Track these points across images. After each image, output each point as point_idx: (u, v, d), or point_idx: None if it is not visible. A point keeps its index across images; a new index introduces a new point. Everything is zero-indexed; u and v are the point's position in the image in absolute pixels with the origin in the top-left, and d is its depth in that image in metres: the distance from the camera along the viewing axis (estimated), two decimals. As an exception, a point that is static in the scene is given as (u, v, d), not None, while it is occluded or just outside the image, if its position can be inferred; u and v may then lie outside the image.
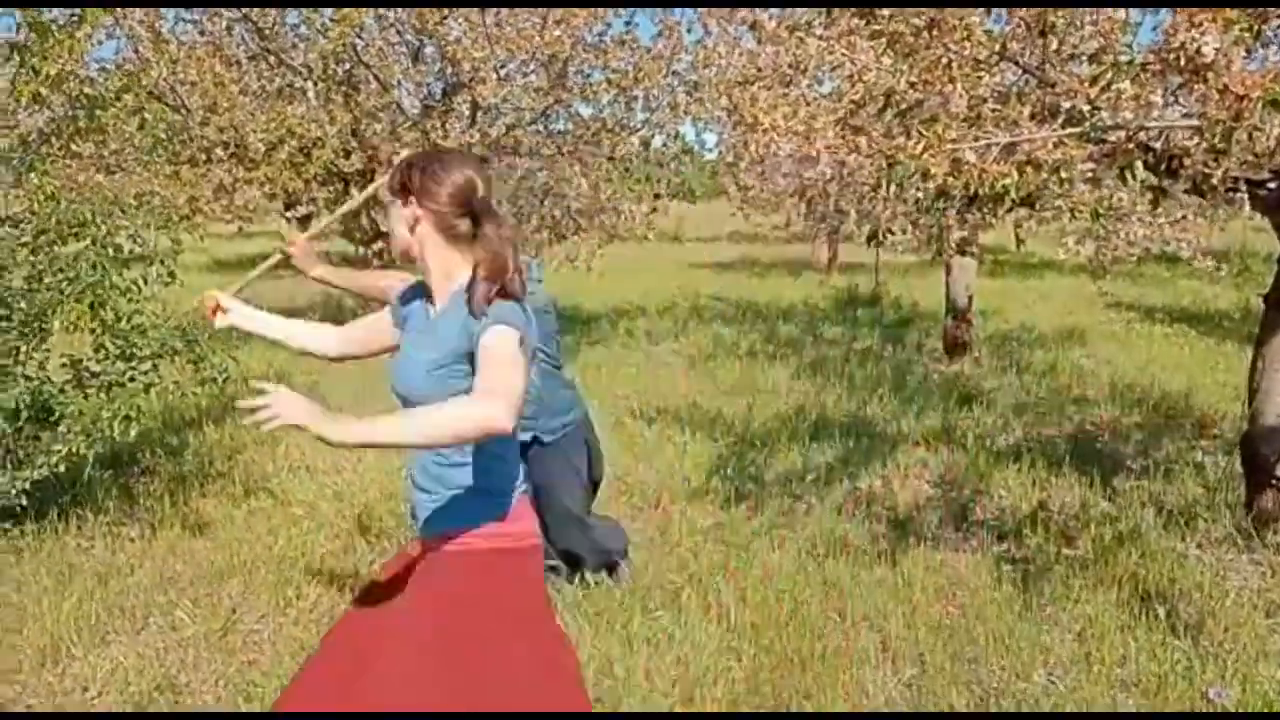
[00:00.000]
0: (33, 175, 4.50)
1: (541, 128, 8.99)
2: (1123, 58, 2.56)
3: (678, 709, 3.02)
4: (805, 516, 4.64)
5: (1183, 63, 2.35)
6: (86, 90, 4.97)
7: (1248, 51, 2.50)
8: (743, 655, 3.31)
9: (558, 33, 7.79)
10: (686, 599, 3.74)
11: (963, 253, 8.14)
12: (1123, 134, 2.78)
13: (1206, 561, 4.16)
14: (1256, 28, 2.52)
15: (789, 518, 4.63)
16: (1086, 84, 2.63)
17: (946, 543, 4.40)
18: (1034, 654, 3.39)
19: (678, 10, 8.40)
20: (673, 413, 6.65)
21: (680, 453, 5.73)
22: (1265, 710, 3.02)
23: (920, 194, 3.72)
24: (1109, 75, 2.52)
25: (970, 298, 8.98)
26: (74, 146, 5.26)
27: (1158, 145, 3.00)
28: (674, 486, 5.08)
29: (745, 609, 3.63)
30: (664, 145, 9.44)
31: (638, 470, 5.40)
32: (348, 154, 8.37)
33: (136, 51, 8.25)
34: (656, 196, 9.16)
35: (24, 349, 4.26)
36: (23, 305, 4.16)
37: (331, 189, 9.03)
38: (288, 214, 17.55)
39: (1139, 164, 2.82)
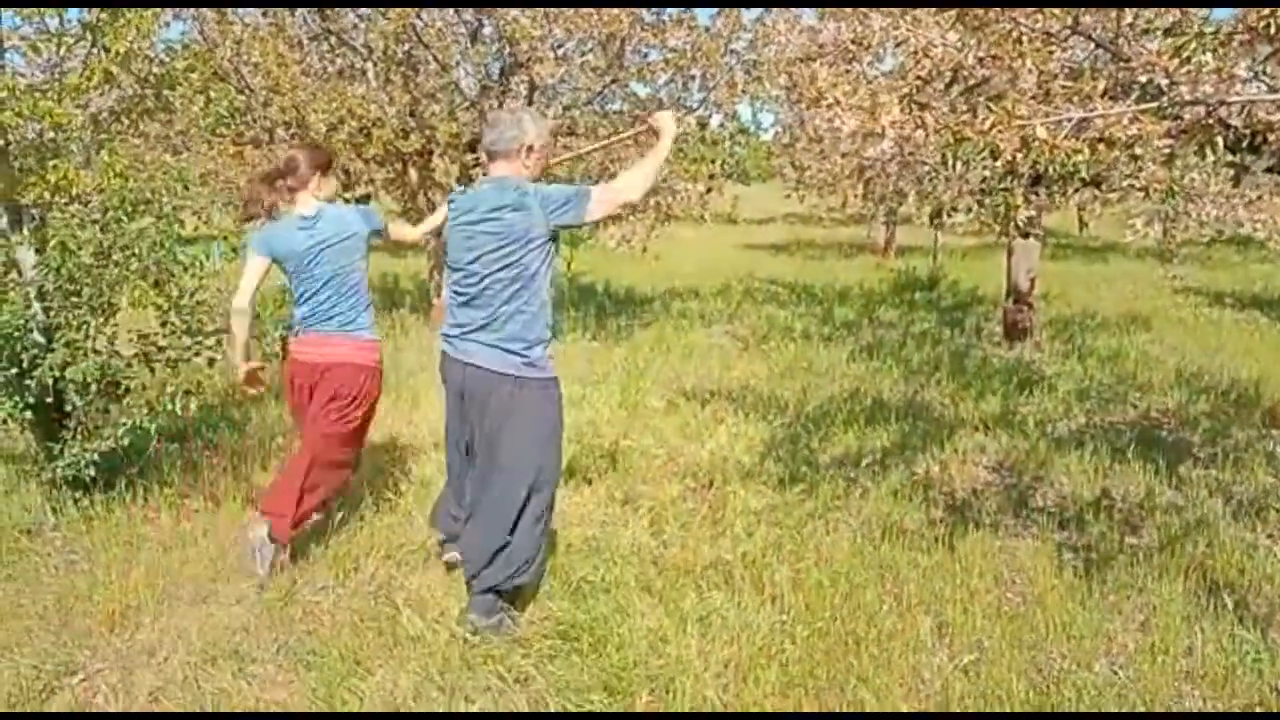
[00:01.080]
0: (102, 153, 4.61)
1: (598, 108, 8.97)
2: (1206, 29, 2.47)
3: (730, 689, 3.01)
4: (860, 500, 4.59)
5: (1272, 31, 2.25)
6: (155, 70, 5.06)
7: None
8: (796, 637, 3.29)
9: (616, 11, 7.76)
10: (740, 579, 3.73)
11: (1026, 234, 8.00)
12: (1202, 109, 2.68)
13: (1278, 553, 4.04)
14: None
15: (844, 501, 4.59)
16: (1165, 57, 2.54)
17: (1005, 529, 4.33)
18: (1096, 642, 3.32)
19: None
20: (726, 394, 6.62)
21: (733, 434, 5.70)
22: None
23: (987, 172, 3.64)
24: (1191, 47, 2.43)
25: (1032, 281, 8.81)
26: (141, 126, 5.37)
27: (1238, 121, 2.89)
28: (727, 468, 5.06)
29: (799, 591, 3.61)
30: (721, 125, 9.39)
31: (690, 451, 5.39)
32: (406, 134, 8.43)
33: (202, 32, 8.40)
34: (711, 177, 9.11)
35: (93, 324, 4.36)
36: (91, 281, 4.26)
37: (390, 169, 9.11)
38: (346, 194, 17.80)
39: (1219, 140, 2.73)
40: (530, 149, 3.44)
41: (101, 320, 4.42)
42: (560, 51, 8.33)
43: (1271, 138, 2.81)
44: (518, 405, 3.37)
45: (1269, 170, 3.18)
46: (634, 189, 3.49)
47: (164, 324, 4.51)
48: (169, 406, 4.26)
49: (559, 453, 3.55)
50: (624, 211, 8.92)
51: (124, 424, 4.26)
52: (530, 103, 8.52)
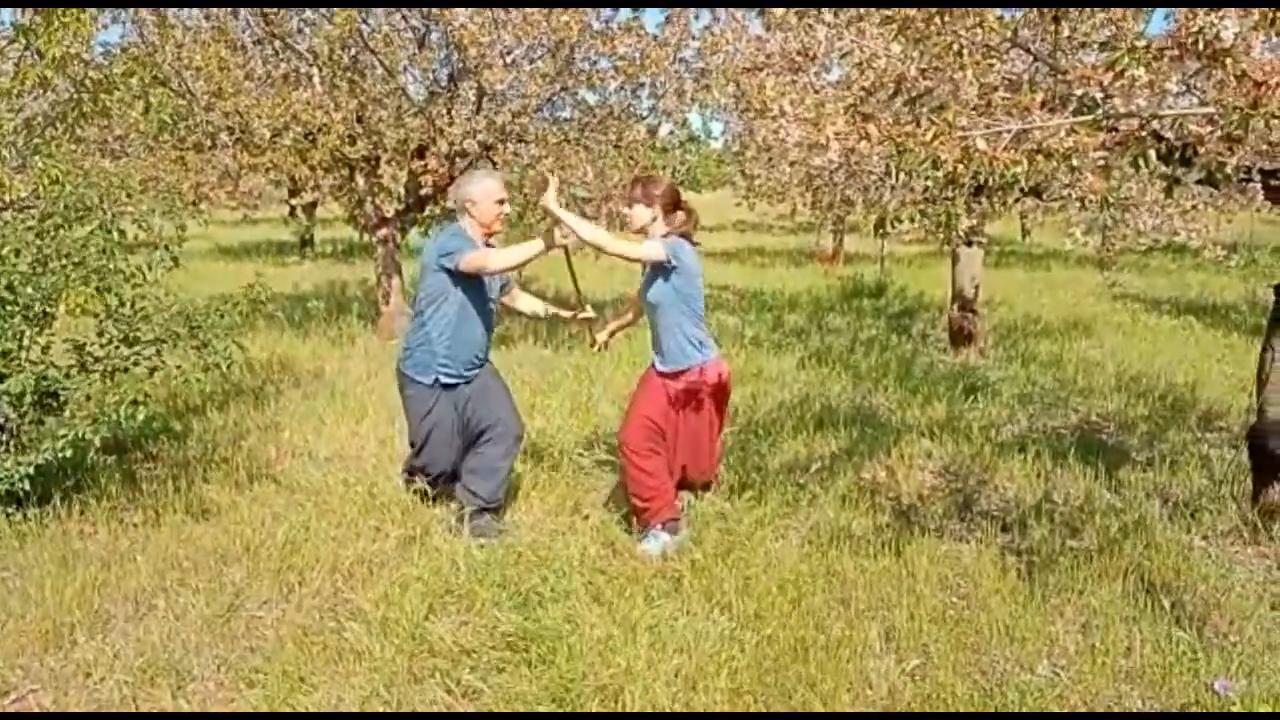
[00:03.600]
0: (37, 159, 4.50)
1: (547, 115, 8.96)
2: (1139, 44, 2.53)
3: (680, 698, 3.01)
4: (809, 506, 4.63)
5: (1201, 47, 2.32)
6: (91, 74, 4.95)
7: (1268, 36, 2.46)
8: (745, 645, 3.30)
9: (565, 18, 7.75)
10: (689, 587, 3.73)
11: (969, 242, 8.13)
12: (1135, 122, 2.75)
13: (1212, 554, 4.14)
14: (1272, 16, 2.49)
15: (793, 507, 4.61)
16: (1100, 70, 2.60)
17: (951, 533, 4.39)
18: (1039, 645, 3.38)
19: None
20: (677, 401, 6.61)
21: (684, 441, 5.69)
22: (1271, 701, 3.00)
23: (929, 182, 3.70)
24: (1124, 61, 2.49)
25: (976, 288, 8.95)
26: (79, 131, 5.25)
27: (1170, 134, 2.96)
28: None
29: (748, 598, 3.62)
30: (671, 133, 9.42)
31: (642, 459, 5.37)
32: (353, 140, 8.34)
33: (141, 36, 8.23)
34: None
35: (29, 334, 4.25)
36: (28, 290, 4.15)
37: (337, 176, 9.00)
38: (292, 200, 17.52)
39: (1151, 152, 2.80)
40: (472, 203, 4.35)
41: (37, 330, 4.31)
42: (509, 58, 8.30)
43: (1202, 150, 2.89)
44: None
45: (1200, 182, 3.27)
46: (497, 262, 4.28)
47: (100, 333, 4.41)
48: (115, 418, 4.14)
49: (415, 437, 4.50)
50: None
51: (63, 436, 4.14)
52: (479, 109, 8.48)
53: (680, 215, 4.28)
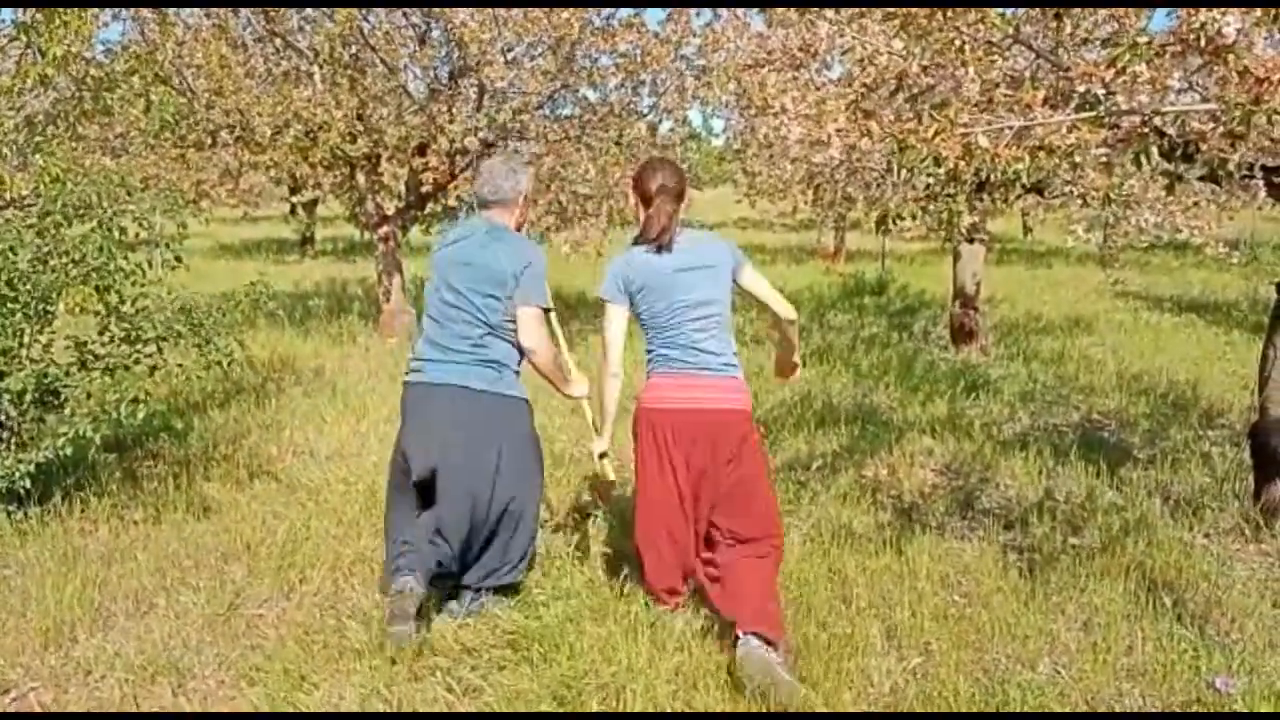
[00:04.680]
0: (38, 157, 4.49)
1: (548, 112, 8.95)
2: (1141, 40, 2.53)
3: (681, 696, 3.01)
4: (810, 504, 4.62)
5: (1203, 43, 2.31)
6: (93, 72, 4.95)
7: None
8: (747, 642, 3.29)
9: (566, 15, 7.74)
10: (690, 585, 3.72)
11: (971, 240, 8.12)
12: (1137, 119, 2.74)
13: (1214, 551, 4.14)
14: (1274, 13, 2.48)
15: (794, 505, 4.61)
16: (1102, 67, 2.59)
17: (952, 531, 4.39)
18: (1040, 642, 3.37)
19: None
20: (678, 399, 6.61)
21: (685, 439, 5.69)
22: (1273, 699, 3.00)
23: (930, 179, 3.69)
24: (1126, 57, 2.48)
25: (978, 285, 8.94)
26: (79, 129, 5.25)
27: (1172, 130, 2.96)
28: (679, 473, 5.05)
29: (750, 596, 3.61)
30: (671, 130, 9.42)
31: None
32: (354, 138, 8.33)
33: (142, 34, 8.22)
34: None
35: (29, 331, 4.25)
36: (28, 288, 4.15)
37: (337, 173, 8.99)
38: (293, 198, 17.49)
39: (1154, 149, 2.80)
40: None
41: (38, 328, 4.31)
42: (510, 55, 8.30)
43: (1204, 147, 2.88)
44: None
45: (1202, 179, 3.26)
46: (536, 353, 3.71)
47: (102, 331, 4.41)
48: (115, 415, 4.14)
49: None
50: (574, 218, 8.91)
51: (63, 433, 4.14)
52: (480, 107, 8.47)
53: (646, 214, 3.38)
